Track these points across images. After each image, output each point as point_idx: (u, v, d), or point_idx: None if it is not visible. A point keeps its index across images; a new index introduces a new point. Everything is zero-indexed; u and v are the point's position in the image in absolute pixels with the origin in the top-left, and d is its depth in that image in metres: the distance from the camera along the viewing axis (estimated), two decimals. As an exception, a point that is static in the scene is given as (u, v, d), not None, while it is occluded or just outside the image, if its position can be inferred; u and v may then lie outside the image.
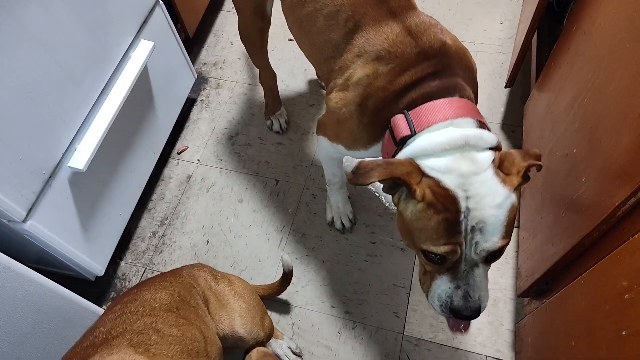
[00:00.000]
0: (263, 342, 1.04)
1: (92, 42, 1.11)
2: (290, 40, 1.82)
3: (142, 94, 1.33)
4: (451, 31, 1.92)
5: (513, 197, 0.74)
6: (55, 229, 1.07)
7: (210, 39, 1.89)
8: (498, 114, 1.56)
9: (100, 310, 1.06)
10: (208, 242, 1.41)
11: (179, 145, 1.62)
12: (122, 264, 1.40)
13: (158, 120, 1.43)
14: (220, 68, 1.80)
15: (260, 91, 1.66)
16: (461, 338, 1.19)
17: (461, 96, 0.81)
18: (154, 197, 1.52)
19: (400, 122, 0.81)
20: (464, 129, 0.76)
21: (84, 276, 1.24)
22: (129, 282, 1.37)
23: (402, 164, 0.74)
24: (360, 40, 0.90)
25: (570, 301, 0.82)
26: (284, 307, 1.28)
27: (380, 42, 0.87)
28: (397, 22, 0.88)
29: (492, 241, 0.71)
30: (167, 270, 1.36)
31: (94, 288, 1.34)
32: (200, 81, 1.77)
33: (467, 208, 0.71)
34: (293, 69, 1.76)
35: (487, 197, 0.71)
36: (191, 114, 1.70)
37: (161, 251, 1.41)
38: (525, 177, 0.76)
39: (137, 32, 1.27)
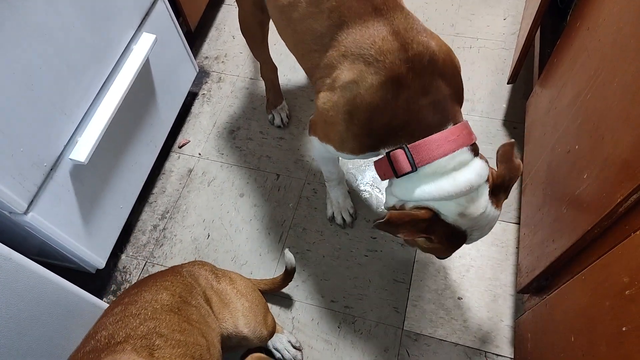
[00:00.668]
0: (266, 340, 1.04)
1: (94, 35, 1.10)
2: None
3: (143, 87, 1.33)
4: (454, 27, 1.91)
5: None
6: (57, 221, 1.07)
7: (212, 33, 1.89)
8: (500, 110, 1.56)
9: (101, 303, 1.06)
10: (209, 236, 1.41)
11: (180, 139, 1.62)
12: (123, 256, 1.40)
13: (159, 114, 1.43)
14: (222, 62, 1.80)
15: (262, 85, 1.65)
16: (460, 334, 1.20)
17: (454, 123, 0.86)
18: (155, 190, 1.52)
19: (401, 158, 0.86)
20: (468, 175, 0.84)
21: (85, 269, 1.24)
22: (130, 275, 1.37)
23: (424, 221, 0.85)
24: (346, 39, 0.88)
25: (571, 297, 0.82)
26: (284, 301, 1.28)
27: (367, 46, 0.85)
28: (384, 22, 0.86)
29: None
30: (168, 263, 1.37)
31: (94, 281, 1.34)
32: (202, 75, 1.77)
33: (472, 234, 0.90)
34: (295, 63, 1.75)
35: (488, 226, 0.90)
36: (193, 107, 1.70)
37: (162, 244, 1.41)
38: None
39: (139, 25, 1.26)
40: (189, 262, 1.04)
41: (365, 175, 1.47)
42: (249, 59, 1.78)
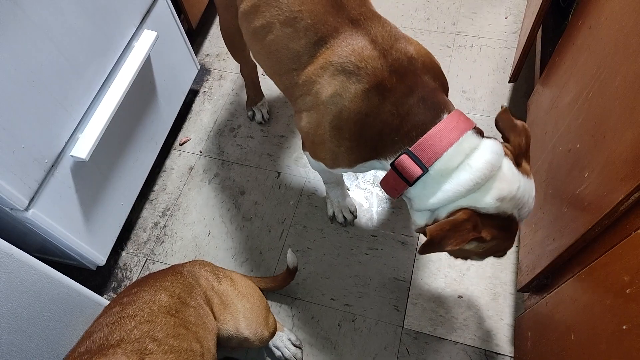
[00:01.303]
0: (267, 341, 1.04)
1: (95, 31, 1.10)
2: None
3: (144, 84, 1.33)
4: (455, 25, 1.91)
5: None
6: (58, 218, 1.07)
7: (214, 30, 1.89)
8: (501, 109, 1.55)
9: (101, 300, 1.06)
10: (209, 233, 1.42)
11: (181, 137, 1.62)
12: (124, 254, 1.40)
13: (160, 111, 1.43)
14: (223, 60, 1.80)
15: (263, 83, 1.65)
16: (460, 332, 1.20)
17: (449, 112, 0.83)
18: (156, 188, 1.52)
19: (407, 164, 0.81)
20: (484, 157, 0.78)
21: (86, 266, 1.24)
22: (130, 272, 1.37)
23: (467, 221, 0.76)
24: (324, 53, 0.86)
25: (571, 296, 0.82)
26: (285, 299, 1.29)
27: (347, 54, 0.83)
28: (362, 33, 0.85)
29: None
30: (168, 260, 1.37)
31: (95, 277, 1.35)
32: (203, 73, 1.77)
33: (520, 213, 0.82)
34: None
35: (530, 197, 0.83)
36: (193, 105, 1.70)
37: (162, 242, 1.41)
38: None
39: (141, 22, 1.26)
40: (190, 262, 1.04)
41: (366, 173, 1.47)
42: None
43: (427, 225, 0.83)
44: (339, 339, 1.22)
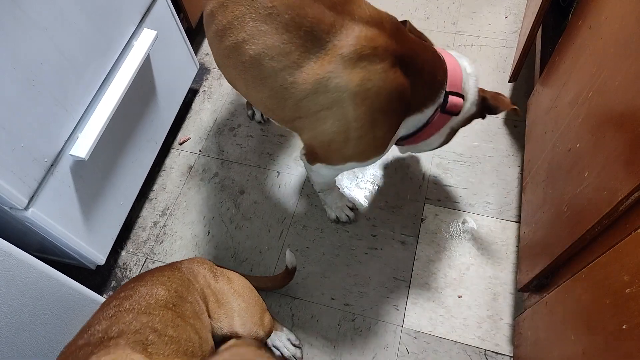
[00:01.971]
0: (263, 341, 1.04)
1: (95, 31, 1.10)
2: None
3: (144, 83, 1.33)
4: (455, 25, 1.91)
5: None
6: (57, 217, 1.07)
7: (213, 30, 1.88)
8: (501, 109, 1.55)
9: (100, 299, 1.06)
10: (209, 232, 1.41)
11: (180, 136, 1.62)
12: (123, 253, 1.40)
13: (160, 111, 1.43)
14: (223, 59, 1.80)
15: (263, 83, 1.65)
16: (460, 332, 1.20)
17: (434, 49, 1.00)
18: (156, 187, 1.52)
19: (455, 101, 0.98)
20: (471, 69, 1.04)
21: (85, 265, 1.24)
22: (130, 271, 1.37)
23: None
24: (328, 48, 0.84)
25: (571, 295, 0.82)
26: (284, 299, 1.29)
27: (355, 42, 0.83)
28: (349, 18, 0.86)
29: None
30: (168, 260, 1.37)
31: (95, 277, 1.35)
32: (203, 72, 1.76)
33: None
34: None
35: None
36: (193, 104, 1.70)
37: (162, 241, 1.41)
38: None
39: (140, 21, 1.26)
40: (188, 259, 1.04)
41: (366, 172, 1.47)
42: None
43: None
44: (339, 338, 1.22)
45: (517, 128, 1.51)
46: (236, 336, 0.96)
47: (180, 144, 1.61)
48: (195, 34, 1.85)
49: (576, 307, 0.78)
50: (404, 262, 1.31)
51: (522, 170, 1.42)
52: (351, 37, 0.84)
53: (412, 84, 0.90)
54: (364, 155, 0.97)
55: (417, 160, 1.48)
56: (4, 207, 0.97)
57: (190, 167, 1.55)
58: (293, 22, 0.85)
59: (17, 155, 0.94)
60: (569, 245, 0.85)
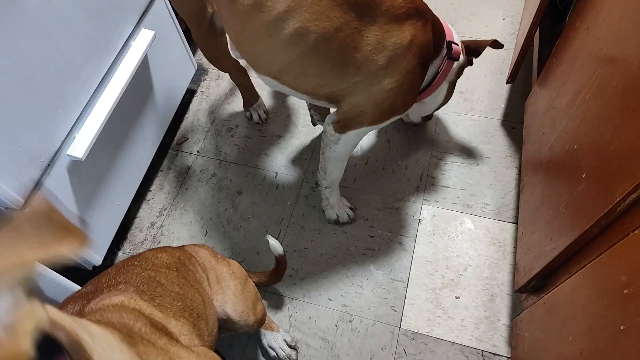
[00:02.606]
0: (253, 328, 1.03)
1: (93, 30, 1.10)
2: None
3: (142, 84, 1.33)
4: (453, 26, 1.93)
5: None
6: (53, 217, 1.06)
7: (211, 30, 1.88)
8: (499, 110, 1.56)
9: (97, 300, 1.05)
10: (206, 233, 1.41)
11: (178, 137, 1.62)
12: (120, 254, 1.40)
13: (158, 111, 1.43)
14: (221, 59, 1.79)
15: (262, 83, 1.65)
16: (457, 333, 1.20)
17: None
18: (153, 187, 1.51)
19: (456, 48, 1.14)
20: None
21: (82, 265, 1.23)
22: (127, 272, 1.36)
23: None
24: (382, 9, 0.95)
25: (569, 296, 0.82)
26: (281, 299, 1.28)
27: (398, 5, 0.95)
28: None
29: None
30: (165, 261, 1.37)
31: (91, 278, 1.34)
32: (201, 72, 1.76)
33: None
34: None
35: None
36: (191, 105, 1.69)
37: (159, 242, 1.41)
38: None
39: (138, 21, 1.26)
40: (191, 244, 1.04)
41: (364, 173, 1.47)
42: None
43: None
44: (336, 339, 1.22)
45: (514, 129, 1.51)
46: (228, 317, 0.95)
47: (178, 144, 1.60)
48: (193, 35, 1.84)
49: (574, 308, 0.78)
50: (402, 263, 1.31)
51: (519, 171, 1.42)
52: (398, 0, 0.96)
53: (435, 35, 1.07)
54: (407, 105, 1.09)
55: (414, 161, 1.48)
56: (0, 207, 0.96)
57: (188, 168, 1.55)
58: None
59: (14, 155, 0.94)
60: (567, 246, 0.85)
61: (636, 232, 0.63)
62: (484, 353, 1.17)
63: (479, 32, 1.75)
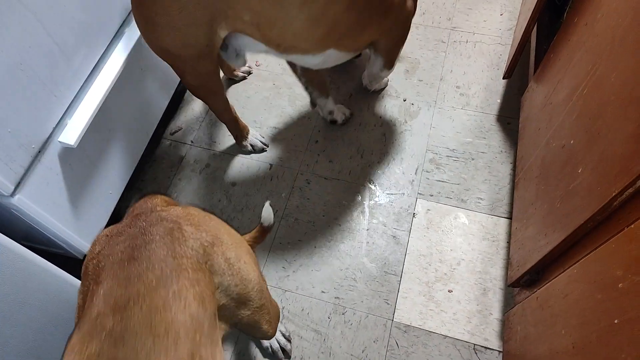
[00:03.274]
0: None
1: (85, 16, 1.08)
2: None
3: (135, 71, 1.31)
4: (451, 21, 1.90)
5: None
6: (44, 205, 1.05)
7: (207, 19, 1.86)
8: (494, 105, 1.56)
9: (88, 289, 1.04)
10: (199, 224, 1.40)
11: (172, 126, 1.60)
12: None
13: (151, 100, 1.41)
14: (216, 49, 1.77)
15: (258, 73, 1.64)
16: (450, 326, 1.20)
17: None
18: (146, 177, 1.50)
19: None
20: None
21: (73, 254, 1.22)
22: (118, 262, 1.35)
23: None
24: None
25: (562, 291, 0.82)
26: (275, 291, 1.28)
27: None
28: None
29: None
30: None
31: (81, 267, 1.32)
32: (195, 62, 1.74)
33: None
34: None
35: None
36: (185, 94, 1.67)
37: (151, 232, 1.39)
38: None
39: (132, 7, 1.23)
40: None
41: (359, 167, 1.47)
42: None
43: None
44: (329, 331, 1.21)
45: (510, 125, 1.51)
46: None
47: (172, 134, 1.59)
48: (188, 23, 1.82)
49: (567, 302, 0.78)
50: (395, 256, 1.31)
51: (514, 166, 1.43)
52: None
53: None
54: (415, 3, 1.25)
55: (410, 155, 1.48)
56: (-11, 193, 0.95)
57: (182, 158, 1.53)
58: None
59: (4, 141, 0.92)
60: (561, 241, 0.85)
61: (632, 226, 0.63)
62: (475, 346, 1.17)
63: (477, 27, 1.74)
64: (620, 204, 0.68)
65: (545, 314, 0.87)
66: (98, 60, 1.14)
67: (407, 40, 1.69)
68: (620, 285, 0.62)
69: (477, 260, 1.29)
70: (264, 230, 1.10)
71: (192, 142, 1.56)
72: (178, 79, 1.56)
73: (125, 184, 1.36)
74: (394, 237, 1.34)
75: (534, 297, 0.95)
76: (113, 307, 0.57)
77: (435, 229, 1.34)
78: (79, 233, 1.17)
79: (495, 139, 1.49)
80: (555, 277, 0.86)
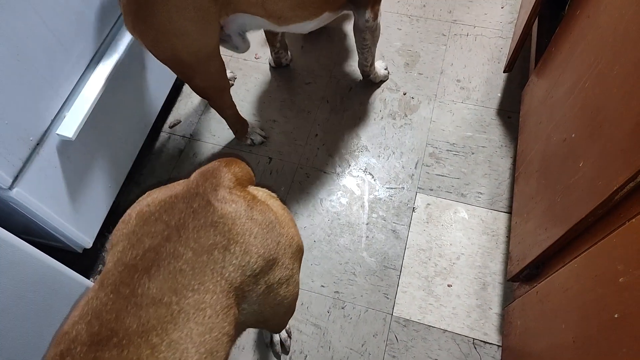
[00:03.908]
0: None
1: (83, 8, 1.07)
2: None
3: (134, 63, 1.30)
4: (451, 13, 1.89)
5: None
6: (43, 198, 1.04)
7: (206, 12, 1.84)
8: (495, 99, 1.55)
9: (87, 282, 1.04)
10: (199, 218, 1.39)
11: (171, 119, 1.59)
12: (110, 237, 1.38)
13: (150, 92, 1.40)
14: (215, 42, 1.76)
15: (257, 66, 1.63)
16: (449, 320, 1.20)
17: None
18: (145, 171, 1.49)
19: None
20: None
21: (72, 248, 1.22)
22: (117, 255, 1.35)
23: None
24: None
25: (562, 285, 0.82)
26: (274, 285, 1.28)
27: None
28: None
29: None
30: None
31: (81, 260, 1.32)
32: (194, 55, 1.73)
33: None
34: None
35: None
36: (184, 87, 1.66)
37: (151, 226, 1.39)
38: None
39: None
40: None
41: (359, 161, 1.46)
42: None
43: None
44: (328, 325, 1.21)
45: (510, 119, 1.50)
46: None
47: (171, 127, 1.58)
48: (187, 16, 1.80)
49: (568, 297, 0.78)
50: (395, 250, 1.31)
51: (514, 161, 1.42)
52: None
53: None
54: None
55: (410, 149, 1.47)
56: (-13, 186, 0.94)
57: (180, 151, 1.53)
58: None
59: (1, 133, 0.91)
60: (561, 235, 0.84)
61: (633, 220, 0.63)
62: (475, 341, 1.17)
63: (478, 20, 1.73)
64: (622, 198, 0.68)
65: (545, 309, 0.87)
66: (96, 52, 1.13)
67: (407, 33, 1.68)
68: (621, 279, 0.62)
69: (477, 255, 1.28)
70: None
71: (191, 135, 1.55)
72: (177, 72, 1.54)
73: (124, 178, 1.35)
74: (394, 231, 1.33)
75: (534, 291, 0.95)
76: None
77: (435, 224, 1.34)
78: (78, 226, 1.17)
79: (496, 133, 1.48)
80: (556, 271, 0.86)
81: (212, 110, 1.60)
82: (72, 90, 1.08)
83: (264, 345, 1.20)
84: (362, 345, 1.18)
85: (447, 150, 1.46)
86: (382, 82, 1.62)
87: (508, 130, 1.49)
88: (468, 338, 1.18)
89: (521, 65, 1.58)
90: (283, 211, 0.74)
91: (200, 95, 1.27)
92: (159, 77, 1.43)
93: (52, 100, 1.02)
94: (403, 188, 1.40)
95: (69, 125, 1.04)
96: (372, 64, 1.53)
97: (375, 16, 1.30)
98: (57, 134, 1.04)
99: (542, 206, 1.00)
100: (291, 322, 1.22)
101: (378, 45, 1.67)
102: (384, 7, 1.79)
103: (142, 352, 0.52)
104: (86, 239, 1.21)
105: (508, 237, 1.30)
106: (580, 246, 0.80)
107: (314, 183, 1.43)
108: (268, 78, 1.66)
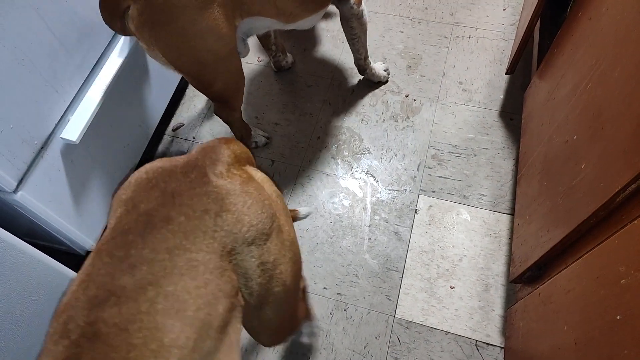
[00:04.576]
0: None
1: (87, 11, 1.08)
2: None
3: (137, 67, 1.31)
4: (453, 16, 1.89)
5: None
6: (46, 201, 1.05)
7: (208, 15, 1.85)
8: (497, 101, 1.55)
9: (91, 284, 1.04)
10: (201, 220, 1.40)
11: (174, 122, 1.60)
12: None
13: (153, 96, 1.41)
14: (218, 45, 1.77)
15: (259, 70, 1.64)
16: (451, 322, 1.20)
17: None
18: (148, 173, 1.50)
19: None
20: None
21: (75, 250, 1.22)
22: (121, 258, 1.35)
23: None
24: None
25: (564, 287, 0.82)
26: (277, 287, 1.28)
27: None
28: None
29: None
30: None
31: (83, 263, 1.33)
32: (197, 58, 1.74)
33: None
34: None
35: None
36: (187, 90, 1.67)
37: (154, 228, 1.40)
38: None
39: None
40: None
41: (361, 163, 1.47)
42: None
43: None
44: (331, 327, 1.22)
45: (512, 121, 1.50)
46: None
47: (174, 130, 1.58)
48: (190, 19, 1.81)
49: (570, 298, 0.78)
50: (397, 252, 1.31)
51: (516, 162, 1.42)
52: None
53: None
54: None
55: (412, 151, 1.47)
56: (-8, 189, 0.95)
57: (184, 154, 1.53)
58: None
59: (6, 137, 0.92)
60: (564, 237, 0.84)
61: (635, 222, 0.63)
62: (477, 343, 1.17)
63: (480, 22, 1.73)
64: (624, 200, 0.68)
65: (547, 310, 0.87)
66: (100, 56, 1.14)
67: (409, 36, 1.69)
68: (623, 281, 0.62)
69: (479, 257, 1.28)
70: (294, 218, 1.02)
71: (194, 138, 1.56)
72: (180, 75, 1.55)
73: (127, 180, 1.36)
74: (396, 233, 1.34)
75: (536, 293, 0.95)
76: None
77: (437, 225, 1.34)
78: (81, 229, 1.18)
79: (498, 135, 1.48)
80: (558, 273, 0.86)
81: (215, 113, 1.61)
82: (76, 94, 1.09)
83: (264, 346, 1.20)
84: (365, 347, 1.18)
85: (449, 152, 1.46)
86: (381, 83, 1.62)
87: (510, 132, 1.49)
88: (470, 340, 1.18)
89: (523, 67, 1.58)
90: (277, 198, 0.74)
91: (217, 101, 1.26)
92: (162, 80, 1.44)
93: (56, 104, 1.03)
94: (405, 190, 1.41)
95: (73, 129, 1.05)
96: (366, 57, 1.51)
97: (360, 1, 1.31)
98: (61, 138, 1.04)
99: (544, 208, 1.00)
100: (294, 324, 1.23)
101: (379, 47, 1.68)
102: (385, 9, 1.80)
103: (141, 306, 0.54)
104: (89, 242, 1.22)
105: (510, 238, 1.30)
106: (582, 248, 0.80)
107: (316, 185, 1.43)
108: (270, 81, 1.67)
